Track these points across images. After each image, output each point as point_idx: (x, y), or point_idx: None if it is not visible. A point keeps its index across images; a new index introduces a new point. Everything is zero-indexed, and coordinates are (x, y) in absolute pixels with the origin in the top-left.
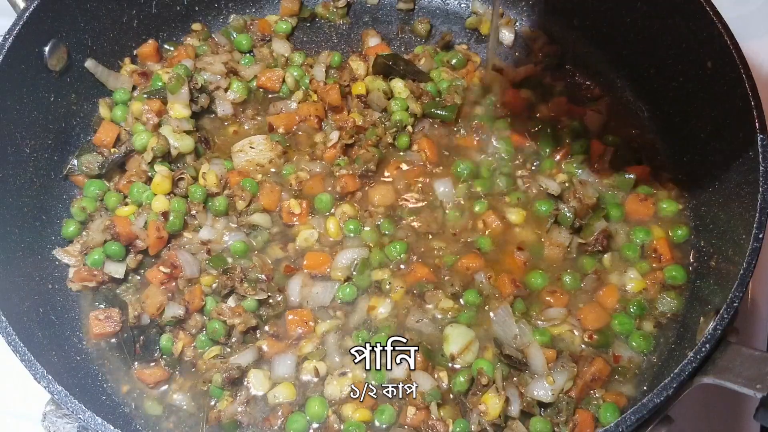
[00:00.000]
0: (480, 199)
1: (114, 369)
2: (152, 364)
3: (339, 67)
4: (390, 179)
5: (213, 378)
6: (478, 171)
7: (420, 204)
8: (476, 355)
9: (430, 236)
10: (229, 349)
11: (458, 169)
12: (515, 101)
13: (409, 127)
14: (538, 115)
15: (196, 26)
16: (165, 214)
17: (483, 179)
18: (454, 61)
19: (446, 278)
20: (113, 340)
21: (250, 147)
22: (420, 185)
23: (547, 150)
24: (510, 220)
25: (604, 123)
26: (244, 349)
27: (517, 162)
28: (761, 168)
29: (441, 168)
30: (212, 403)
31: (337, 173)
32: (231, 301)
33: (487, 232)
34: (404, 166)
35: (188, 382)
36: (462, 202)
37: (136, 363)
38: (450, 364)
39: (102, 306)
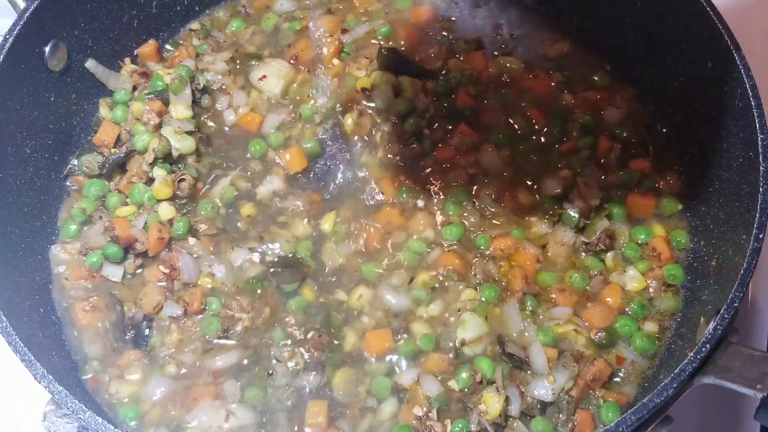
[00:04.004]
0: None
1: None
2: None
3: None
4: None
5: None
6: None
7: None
8: (484, 350)
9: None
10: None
11: (498, 138)
12: (541, 84)
13: (426, 130)
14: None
15: (195, 26)
16: (170, 220)
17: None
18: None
19: (474, 266)
20: (101, 329)
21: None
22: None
23: (554, 138)
24: (521, 201)
25: (621, 119)
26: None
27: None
28: (761, 168)
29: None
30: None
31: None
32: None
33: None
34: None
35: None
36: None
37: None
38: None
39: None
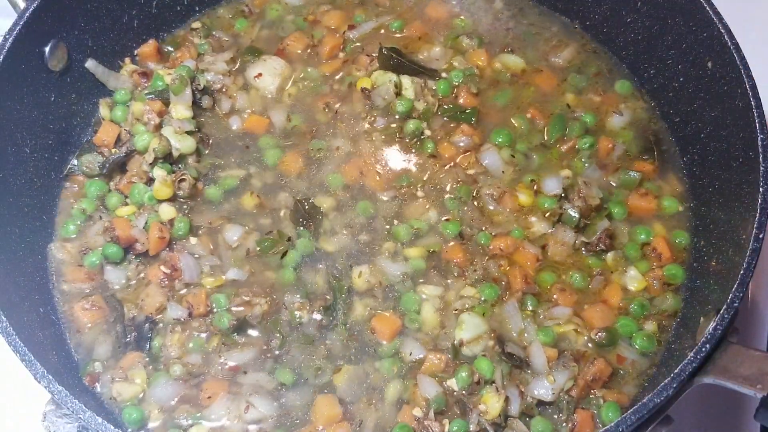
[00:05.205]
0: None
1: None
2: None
3: None
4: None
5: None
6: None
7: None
8: (483, 349)
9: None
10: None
11: (498, 139)
12: (543, 84)
13: (426, 131)
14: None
15: (195, 25)
16: (171, 221)
17: (524, 142)
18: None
19: (474, 262)
20: (102, 330)
21: None
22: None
23: (554, 137)
24: (521, 201)
25: (623, 127)
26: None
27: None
28: (761, 168)
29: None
30: None
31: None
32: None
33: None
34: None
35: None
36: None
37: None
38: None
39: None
